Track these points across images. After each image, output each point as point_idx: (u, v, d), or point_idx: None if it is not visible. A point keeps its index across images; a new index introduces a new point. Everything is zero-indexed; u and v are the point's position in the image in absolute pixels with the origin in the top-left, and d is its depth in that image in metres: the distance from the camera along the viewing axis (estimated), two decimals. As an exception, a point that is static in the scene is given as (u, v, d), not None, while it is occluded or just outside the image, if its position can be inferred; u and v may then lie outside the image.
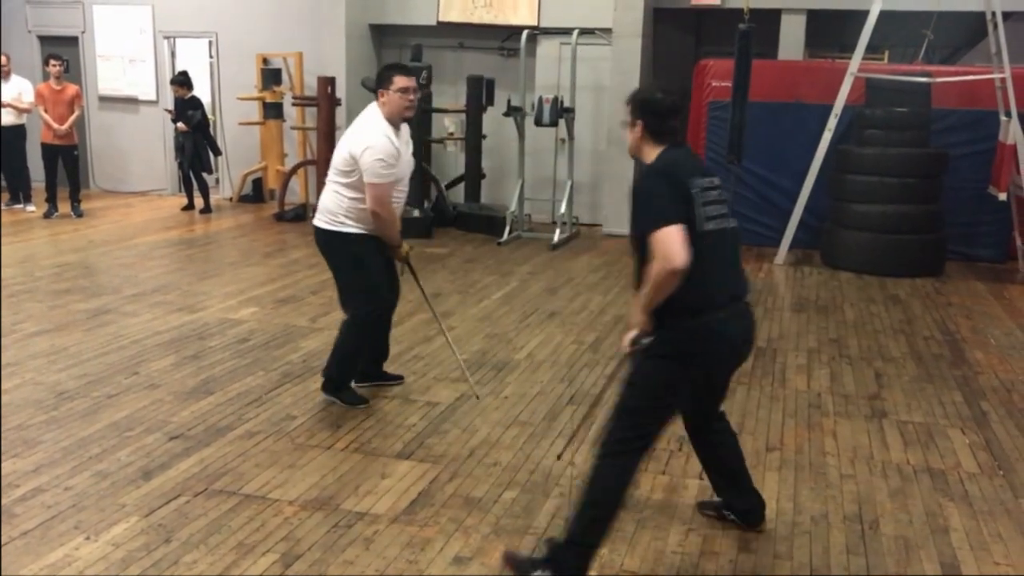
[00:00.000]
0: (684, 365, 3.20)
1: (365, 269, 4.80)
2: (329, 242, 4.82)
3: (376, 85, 4.73)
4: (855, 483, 4.13)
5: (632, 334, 3.18)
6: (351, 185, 4.65)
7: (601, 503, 3.19)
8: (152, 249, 9.11)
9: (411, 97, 4.67)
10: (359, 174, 4.59)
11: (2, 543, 3.39)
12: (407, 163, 4.82)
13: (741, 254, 3.43)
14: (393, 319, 5.16)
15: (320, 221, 4.81)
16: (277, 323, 6.47)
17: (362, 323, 4.89)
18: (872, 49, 9.34)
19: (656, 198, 3.11)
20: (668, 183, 3.13)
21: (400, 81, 4.63)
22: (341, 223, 4.73)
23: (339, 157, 4.68)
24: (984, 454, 4.52)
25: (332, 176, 4.74)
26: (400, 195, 4.82)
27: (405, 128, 4.81)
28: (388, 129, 4.63)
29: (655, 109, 3.27)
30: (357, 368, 5.03)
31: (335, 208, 4.73)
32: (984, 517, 3.84)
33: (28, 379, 5.18)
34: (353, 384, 5.04)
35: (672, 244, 2.97)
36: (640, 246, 3.13)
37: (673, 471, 4.21)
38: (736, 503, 3.68)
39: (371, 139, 4.57)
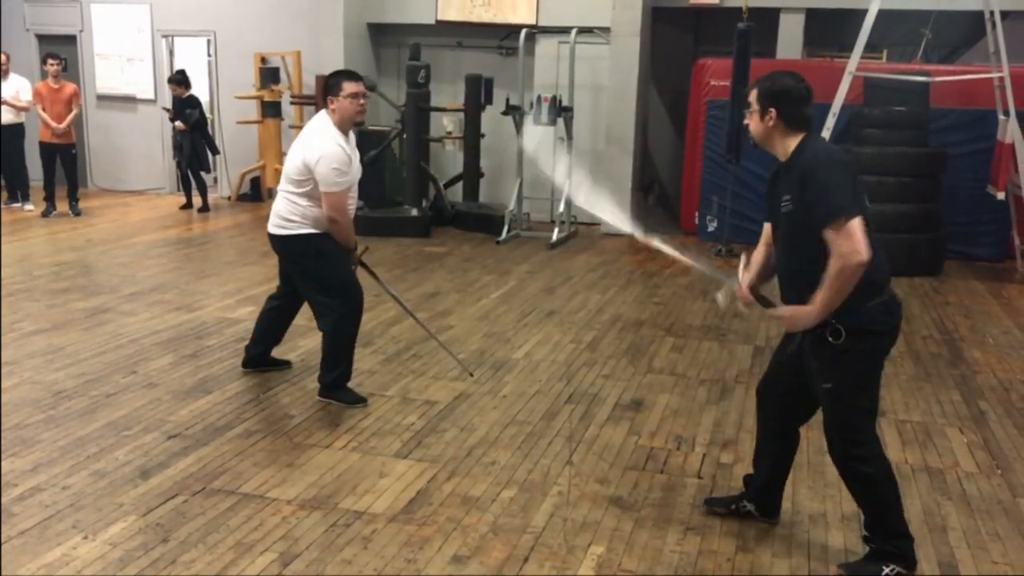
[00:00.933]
0: (882, 339, 3.23)
1: (330, 264, 4.83)
2: (288, 245, 4.86)
3: (325, 92, 4.77)
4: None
5: (788, 326, 3.28)
6: (305, 194, 4.70)
7: (890, 496, 3.29)
8: (150, 248, 9.11)
9: (361, 102, 4.73)
10: (313, 183, 4.64)
11: (1, 542, 3.38)
12: (357, 169, 4.87)
13: None
14: (365, 319, 5.13)
15: (275, 227, 4.86)
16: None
17: (337, 319, 4.86)
18: (871, 48, 9.33)
19: (841, 184, 3.08)
20: (849, 173, 3.14)
21: (349, 87, 4.69)
22: (297, 226, 4.77)
23: (292, 166, 4.72)
24: (982, 453, 4.52)
25: (284, 185, 4.80)
26: (351, 200, 4.87)
27: (351, 135, 4.85)
28: (339, 136, 4.68)
29: (792, 97, 3.24)
30: (350, 364, 5.02)
31: (289, 213, 4.78)
32: (982, 516, 3.85)
33: (26, 378, 5.17)
34: (242, 369, 5.25)
35: (859, 238, 2.98)
36: (806, 237, 3.10)
37: (671, 470, 4.21)
38: (771, 497, 3.69)
39: (324, 148, 4.61)
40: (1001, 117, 8.60)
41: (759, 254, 3.58)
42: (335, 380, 4.94)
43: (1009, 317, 7.30)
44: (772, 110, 3.23)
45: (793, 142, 3.24)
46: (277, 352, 5.49)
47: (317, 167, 4.59)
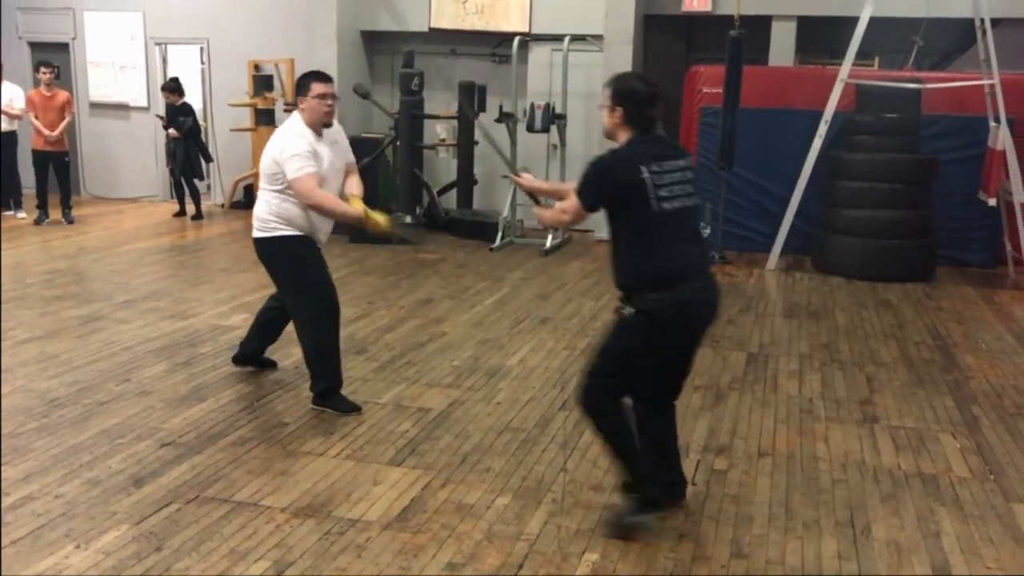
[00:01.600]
0: (661, 331, 3.51)
1: (304, 267, 4.85)
2: (265, 248, 4.90)
3: (296, 92, 4.88)
4: (847, 488, 4.14)
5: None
6: (278, 191, 4.75)
7: (613, 450, 3.66)
8: (143, 255, 9.09)
9: (328, 103, 4.79)
10: (283, 177, 4.69)
11: (0, 549, 3.38)
12: (331, 167, 4.85)
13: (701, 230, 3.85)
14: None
15: (255, 231, 4.91)
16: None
17: (315, 324, 4.90)
18: (862, 55, 9.38)
19: (590, 176, 3.58)
20: (608, 169, 3.58)
21: (318, 88, 4.76)
22: (273, 228, 4.81)
23: (264, 164, 4.78)
24: (975, 458, 4.53)
25: (262, 184, 4.85)
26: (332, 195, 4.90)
27: (333, 131, 4.90)
28: (305, 131, 4.75)
29: (636, 99, 3.58)
30: (338, 370, 5.00)
31: (265, 215, 4.82)
32: (975, 521, 3.86)
33: (19, 386, 5.16)
34: (233, 366, 5.39)
35: (571, 207, 3.63)
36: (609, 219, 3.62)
37: (665, 477, 4.21)
38: (663, 475, 3.82)
39: (284, 141, 4.71)
40: (992, 124, 8.64)
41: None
42: (326, 389, 4.93)
43: (1001, 323, 7.33)
44: (619, 108, 3.58)
45: (626, 137, 3.62)
46: (274, 356, 5.50)
47: (281, 160, 4.66)
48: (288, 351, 5.92)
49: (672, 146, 3.79)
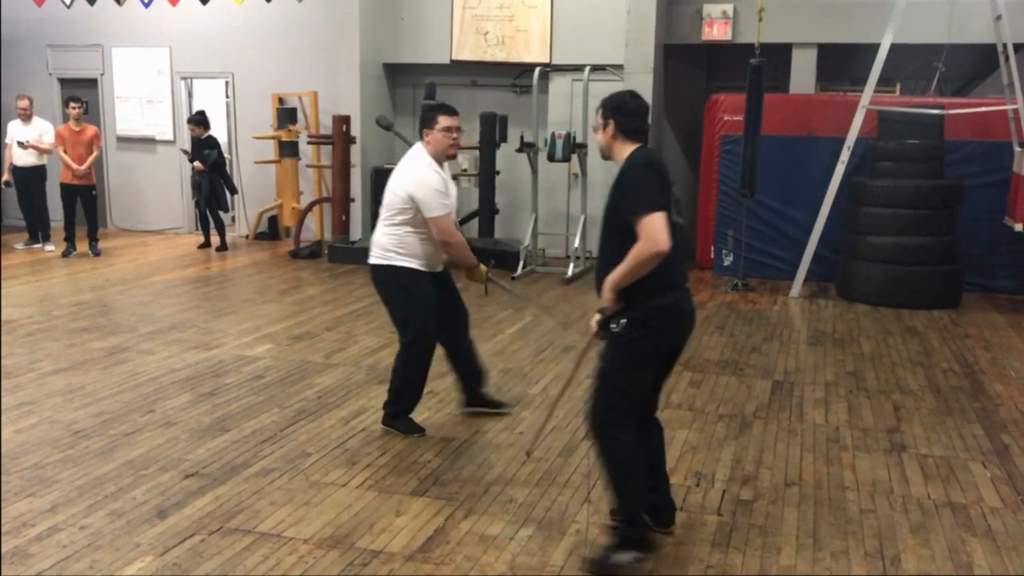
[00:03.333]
0: (658, 338, 3.56)
1: (411, 300, 4.94)
2: (380, 275, 5.00)
3: (421, 125, 5.01)
4: (875, 518, 4.08)
5: (599, 315, 3.56)
6: (405, 222, 4.83)
7: (621, 478, 3.59)
8: (168, 287, 9.17)
9: (454, 136, 4.92)
10: (414, 211, 4.79)
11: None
12: (455, 195, 5.06)
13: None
14: (382, 355, 5.15)
15: (374, 258, 5.00)
16: (292, 360, 6.48)
17: (410, 353, 5.01)
18: (884, 82, 9.36)
19: (645, 186, 3.45)
20: (656, 175, 3.50)
21: (444, 121, 4.89)
22: (391, 257, 4.90)
23: (395, 198, 4.85)
24: (1006, 488, 4.46)
25: (385, 215, 4.92)
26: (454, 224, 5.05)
27: (447, 166, 5.04)
28: (434, 165, 4.88)
29: (625, 110, 3.62)
30: (414, 398, 5.11)
31: (387, 244, 4.91)
32: (1008, 553, 3.78)
33: (45, 417, 5.20)
34: (462, 409, 5.38)
35: (661, 229, 3.36)
36: (613, 231, 3.52)
37: (690, 507, 4.17)
38: (649, 498, 3.77)
39: (422, 175, 4.82)
40: (1016, 149, 8.58)
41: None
42: (396, 411, 5.06)
43: (1030, 349, 7.23)
44: (611, 122, 3.62)
45: (627, 150, 3.61)
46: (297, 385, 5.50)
47: (419, 194, 4.76)
48: (311, 381, 5.95)
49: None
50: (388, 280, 4.97)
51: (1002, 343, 7.43)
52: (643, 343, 3.53)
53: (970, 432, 5.26)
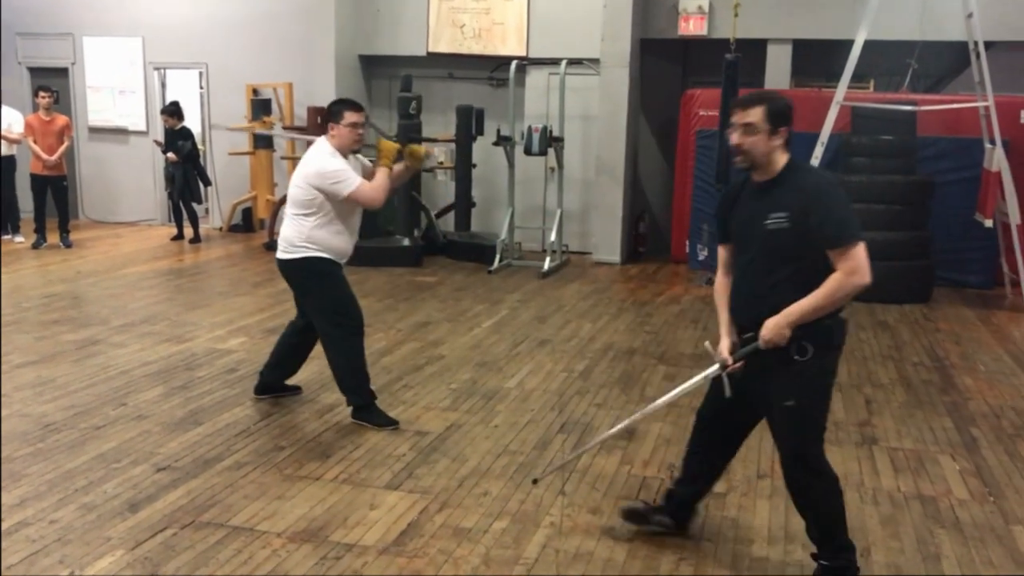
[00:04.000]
0: (838, 355, 3.30)
1: (329, 286, 4.95)
2: (292, 269, 5.00)
3: (326, 119, 4.96)
4: (846, 510, 4.11)
5: (773, 340, 3.15)
6: (312, 214, 4.85)
7: (840, 509, 3.38)
8: (141, 279, 9.09)
9: (360, 132, 4.91)
10: (319, 201, 4.80)
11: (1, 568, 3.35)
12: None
13: None
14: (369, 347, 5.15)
15: (281, 252, 5.01)
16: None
17: (339, 340, 5.01)
18: (858, 78, 9.43)
19: (848, 210, 3.15)
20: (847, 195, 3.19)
21: (351, 116, 4.87)
22: (302, 248, 4.89)
23: (298, 191, 4.87)
24: (974, 480, 4.52)
25: (291, 209, 4.93)
26: (357, 219, 5.03)
27: (355, 159, 5.02)
28: (338, 156, 4.85)
29: (791, 116, 3.29)
30: (365, 380, 5.11)
31: (295, 237, 4.91)
32: (975, 544, 3.84)
33: (15, 411, 5.14)
34: (254, 396, 5.37)
35: (865, 261, 3.09)
36: (783, 260, 3.16)
37: (664, 500, 4.19)
38: (689, 511, 3.77)
39: (320, 163, 4.81)
40: (987, 145, 8.68)
41: (723, 300, 3.51)
42: (361, 404, 5.05)
43: (999, 344, 7.32)
44: (783, 129, 3.24)
45: (784, 160, 3.28)
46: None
47: (324, 184, 4.77)
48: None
49: None
50: (300, 272, 4.96)
51: (972, 337, 7.53)
52: (833, 364, 3.28)
53: (940, 425, 5.32)
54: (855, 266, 3.08)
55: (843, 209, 3.15)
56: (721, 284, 3.54)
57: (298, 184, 4.87)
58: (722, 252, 3.56)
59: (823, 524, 3.37)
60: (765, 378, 3.28)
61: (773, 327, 3.16)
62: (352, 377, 5.05)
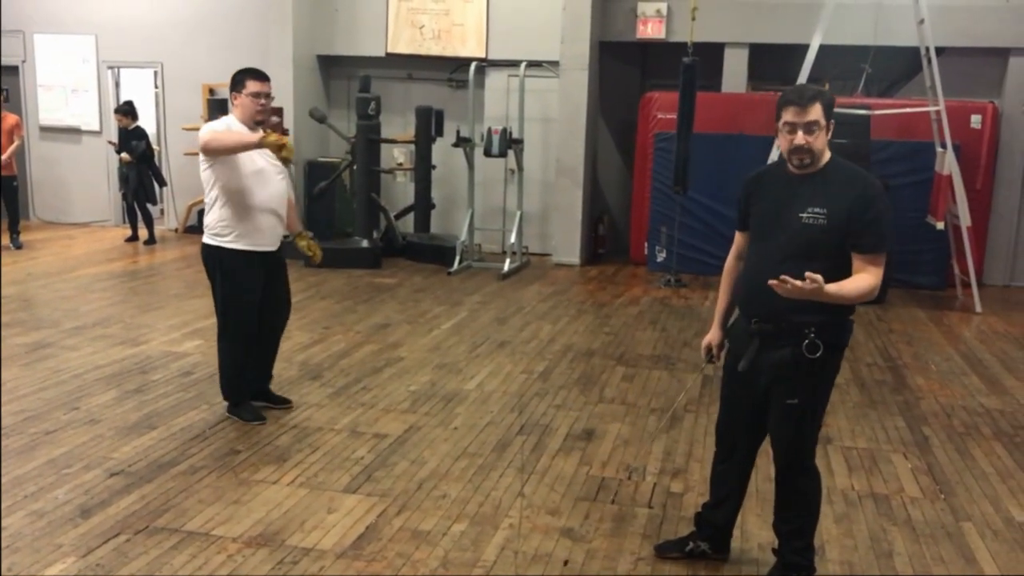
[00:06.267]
0: (842, 355, 3.31)
1: (234, 287, 4.88)
2: (205, 255, 4.98)
3: (231, 89, 4.87)
4: (801, 509, 4.16)
5: (797, 290, 2.95)
6: (216, 187, 4.78)
7: (818, 510, 3.41)
8: (94, 281, 8.93)
9: (262, 102, 4.80)
10: (212, 170, 4.74)
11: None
12: (277, 183, 4.92)
13: None
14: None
15: (204, 237, 4.98)
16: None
17: (231, 336, 4.98)
18: (813, 82, 9.53)
19: (891, 223, 3.15)
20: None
21: (253, 85, 4.79)
22: (217, 236, 4.85)
23: (201, 167, 4.83)
24: (926, 478, 4.60)
25: (206, 194, 4.90)
26: (274, 193, 4.89)
27: (263, 157, 4.87)
28: (233, 123, 4.79)
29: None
30: (245, 382, 5.11)
31: (212, 222, 4.89)
32: (927, 541, 3.90)
33: (-38, 416, 5.02)
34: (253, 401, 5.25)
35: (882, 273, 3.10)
36: (822, 254, 3.09)
37: (622, 500, 4.21)
38: (727, 533, 3.66)
39: (206, 126, 4.77)
40: (939, 149, 8.84)
41: (728, 285, 3.55)
42: (235, 400, 5.07)
43: (950, 344, 7.46)
44: (832, 122, 3.21)
45: (828, 153, 3.23)
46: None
47: (200, 137, 4.68)
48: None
49: None
50: (213, 261, 4.92)
51: (924, 338, 7.66)
52: (838, 364, 3.28)
53: (892, 424, 5.41)
54: (880, 274, 3.12)
55: (887, 221, 3.12)
56: (730, 268, 3.54)
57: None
58: (738, 238, 3.52)
59: (803, 521, 3.37)
60: (773, 374, 3.23)
61: (810, 288, 2.93)
62: (228, 373, 5.07)
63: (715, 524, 3.64)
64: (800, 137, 3.12)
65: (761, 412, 3.35)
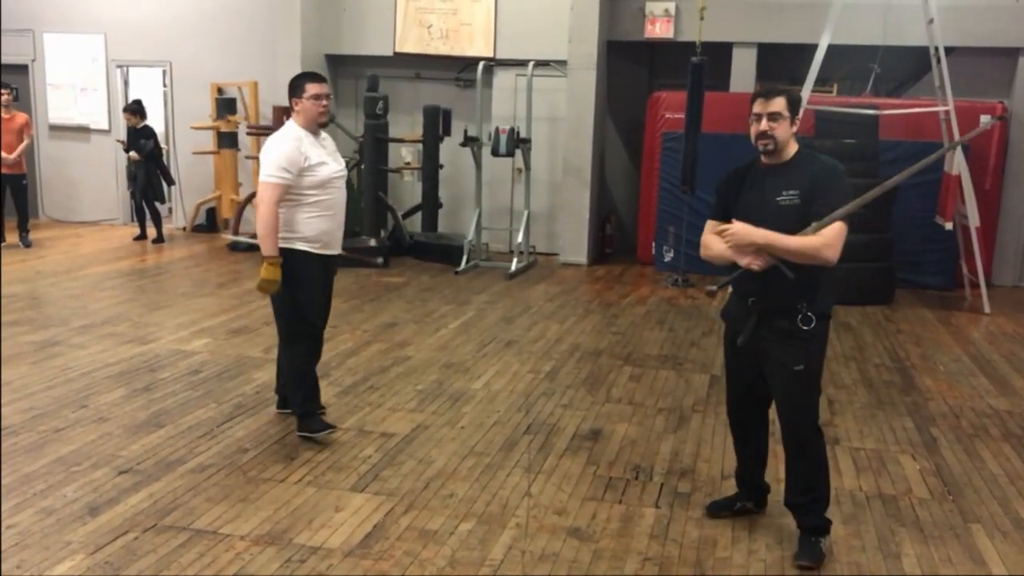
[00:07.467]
0: (829, 322, 3.72)
1: (291, 286, 4.68)
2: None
3: (290, 95, 4.79)
4: (809, 510, 4.16)
5: (738, 236, 3.56)
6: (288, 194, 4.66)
7: (827, 469, 3.78)
8: (102, 279, 8.96)
9: (324, 103, 4.74)
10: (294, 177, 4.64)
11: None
12: (336, 172, 4.82)
13: None
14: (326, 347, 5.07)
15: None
16: (230, 354, 6.39)
17: (296, 348, 4.83)
18: (821, 81, 9.53)
19: (843, 196, 3.51)
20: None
21: (312, 88, 4.71)
22: (283, 239, 4.66)
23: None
24: (934, 480, 4.58)
25: None
26: (338, 199, 4.83)
27: (330, 140, 4.88)
28: (302, 134, 4.68)
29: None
30: (315, 391, 4.95)
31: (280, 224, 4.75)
32: (935, 542, 3.89)
33: (-29, 414, 5.05)
34: (277, 411, 5.17)
35: (838, 240, 3.49)
36: (799, 227, 3.48)
37: (629, 500, 4.21)
38: (761, 487, 4.04)
39: (275, 143, 4.66)
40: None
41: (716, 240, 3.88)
42: (301, 411, 4.85)
43: (958, 345, 7.44)
44: (798, 118, 3.63)
45: (795, 146, 3.67)
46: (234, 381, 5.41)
47: (263, 159, 4.62)
48: (248, 376, 5.87)
49: None
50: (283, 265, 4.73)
51: (932, 338, 7.64)
52: (827, 331, 3.67)
53: (900, 425, 5.39)
54: (829, 240, 3.45)
55: (838, 193, 3.49)
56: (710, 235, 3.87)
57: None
58: (711, 225, 3.86)
59: (816, 479, 3.69)
60: (774, 347, 3.60)
61: (743, 231, 3.53)
62: (295, 383, 4.89)
63: (750, 482, 4.03)
64: (764, 123, 3.59)
65: (761, 382, 3.73)
